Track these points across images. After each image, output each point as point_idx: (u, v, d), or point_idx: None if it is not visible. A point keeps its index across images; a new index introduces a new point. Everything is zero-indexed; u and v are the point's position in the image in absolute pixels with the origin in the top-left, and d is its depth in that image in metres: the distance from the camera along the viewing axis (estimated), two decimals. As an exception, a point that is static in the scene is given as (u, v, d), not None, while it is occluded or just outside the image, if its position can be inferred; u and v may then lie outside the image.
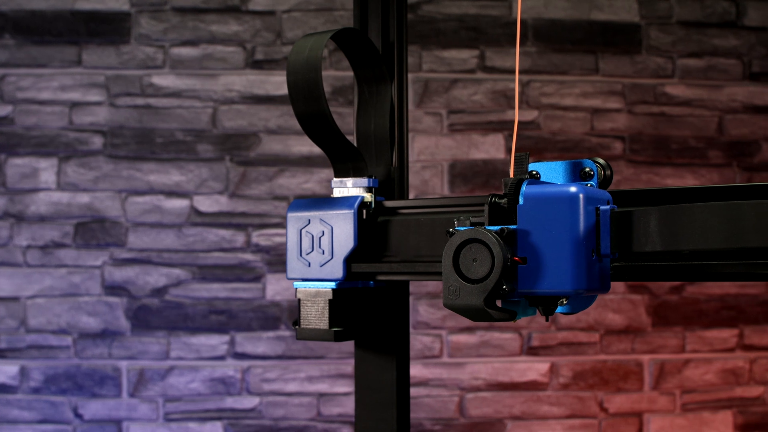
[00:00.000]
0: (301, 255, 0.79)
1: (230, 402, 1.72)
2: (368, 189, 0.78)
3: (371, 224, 0.77)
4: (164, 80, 1.74)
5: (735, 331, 1.83)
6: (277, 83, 1.76)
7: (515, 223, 0.64)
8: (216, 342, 1.72)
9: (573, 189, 0.62)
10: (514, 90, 1.79)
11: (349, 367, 1.74)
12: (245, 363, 1.73)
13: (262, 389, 1.72)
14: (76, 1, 1.74)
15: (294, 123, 1.74)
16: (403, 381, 0.82)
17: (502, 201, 0.65)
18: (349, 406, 1.73)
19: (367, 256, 0.77)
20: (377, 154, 0.82)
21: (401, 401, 0.81)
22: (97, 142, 1.73)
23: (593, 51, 1.82)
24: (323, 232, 0.78)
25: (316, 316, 0.79)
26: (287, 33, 1.76)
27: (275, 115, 1.75)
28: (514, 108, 1.79)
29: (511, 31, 1.80)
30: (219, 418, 1.72)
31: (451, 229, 0.65)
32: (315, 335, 0.78)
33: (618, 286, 1.79)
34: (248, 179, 1.74)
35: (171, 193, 1.73)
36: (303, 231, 0.79)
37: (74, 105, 1.73)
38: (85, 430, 1.71)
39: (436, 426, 1.75)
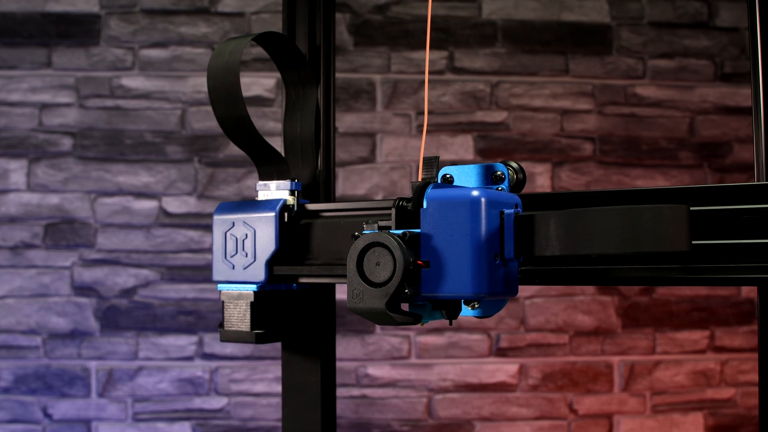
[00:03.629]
0: (225, 257, 0.80)
1: (198, 402, 1.73)
2: (292, 192, 0.79)
3: (294, 227, 0.78)
4: (133, 82, 1.75)
5: (706, 332, 1.83)
6: (245, 84, 1.76)
7: (420, 227, 0.64)
8: (184, 342, 1.73)
9: (475, 193, 0.62)
10: (483, 91, 1.79)
11: (316, 367, 1.74)
12: (213, 363, 1.73)
13: (230, 390, 1.73)
14: (47, 3, 1.75)
15: (262, 124, 1.75)
16: (329, 382, 0.82)
17: (408, 205, 0.66)
18: (316, 407, 1.73)
19: (289, 259, 0.77)
20: (303, 157, 0.83)
21: (326, 403, 0.82)
22: (67, 143, 1.74)
23: (563, 52, 1.81)
24: (246, 234, 0.78)
25: (239, 318, 0.79)
26: (257, 34, 1.76)
27: (244, 117, 1.75)
28: (483, 109, 1.79)
29: (480, 32, 1.80)
30: (187, 419, 1.73)
31: (356, 233, 0.65)
32: (237, 337, 0.79)
33: (588, 287, 1.78)
34: (216, 180, 1.75)
35: (140, 194, 1.74)
36: (228, 234, 0.80)
37: (44, 106, 1.74)
38: (54, 430, 1.71)
39: (404, 427, 1.75)
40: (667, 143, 1.83)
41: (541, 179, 1.78)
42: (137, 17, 1.75)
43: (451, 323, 0.67)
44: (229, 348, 1.73)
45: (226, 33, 1.76)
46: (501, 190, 0.71)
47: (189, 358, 1.73)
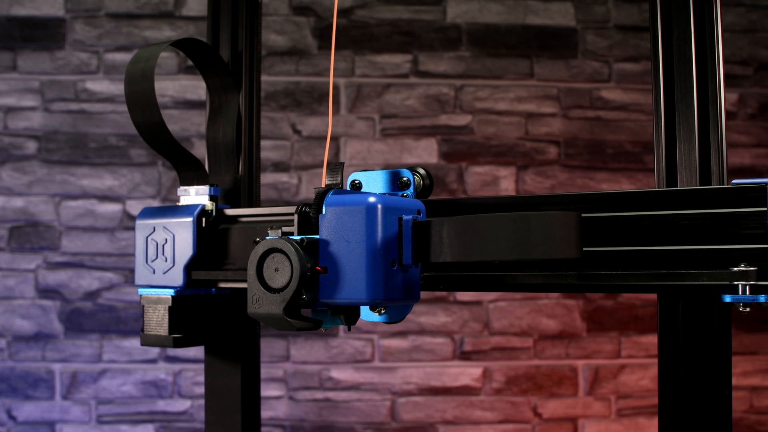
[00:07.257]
0: (147, 262, 0.80)
1: (162, 405, 1.73)
2: (211, 197, 0.79)
3: (212, 232, 0.78)
4: (98, 85, 1.75)
5: (671, 336, 1.82)
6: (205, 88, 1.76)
7: (319, 233, 0.64)
8: (148, 345, 1.73)
9: (371, 199, 0.63)
10: (448, 94, 1.80)
11: (279, 370, 1.74)
12: (177, 366, 1.74)
13: (194, 392, 1.73)
14: (12, 7, 1.75)
15: (227, 128, 1.75)
16: (250, 387, 0.82)
17: (310, 211, 0.66)
18: (280, 410, 1.74)
19: (207, 264, 0.78)
20: (225, 162, 0.83)
21: (247, 407, 0.82)
22: (32, 146, 1.74)
23: (528, 55, 1.82)
24: (166, 239, 0.79)
25: (157, 323, 0.79)
26: (222, 38, 1.76)
27: (208, 120, 1.76)
28: (447, 113, 1.80)
29: (445, 35, 1.80)
30: (151, 421, 1.73)
31: (257, 239, 0.66)
32: (156, 341, 0.79)
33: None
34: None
35: (104, 198, 1.74)
36: (149, 239, 0.80)
37: (9, 110, 1.74)
38: (18, 432, 1.72)
39: (368, 430, 1.75)
40: (632, 147, 1.83)
41: (506, 183, 1.79)
42: (102, 21, 1.76)
43: (349, 329, 0.67)
44: (192, 351, 1.73)
45: (190, 36, 1.77)
46: (406, 196, 0.71)
47: (153, 361, 1.73)
